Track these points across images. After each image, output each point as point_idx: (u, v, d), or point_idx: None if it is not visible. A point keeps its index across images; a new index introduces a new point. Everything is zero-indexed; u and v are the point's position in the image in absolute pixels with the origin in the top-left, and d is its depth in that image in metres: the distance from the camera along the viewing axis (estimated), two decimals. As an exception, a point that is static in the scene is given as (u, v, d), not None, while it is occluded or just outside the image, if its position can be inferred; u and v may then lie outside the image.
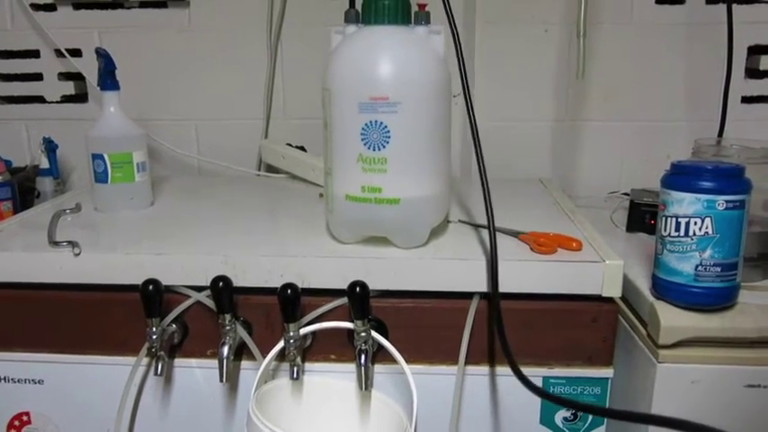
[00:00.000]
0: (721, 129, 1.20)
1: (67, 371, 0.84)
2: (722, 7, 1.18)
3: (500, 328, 0.73)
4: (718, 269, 0.74)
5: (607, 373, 0.80)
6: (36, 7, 1.32)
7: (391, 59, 0.76)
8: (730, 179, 0.73)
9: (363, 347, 0.76)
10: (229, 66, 1.33)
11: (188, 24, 1.32)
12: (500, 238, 0.85)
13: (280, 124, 1.35)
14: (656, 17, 1.25)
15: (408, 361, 0.76)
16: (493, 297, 0.75)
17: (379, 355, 0.79)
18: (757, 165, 0.83)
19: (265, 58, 1.31)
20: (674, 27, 1.26)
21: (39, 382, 0.85)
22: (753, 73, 1.26)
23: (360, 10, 0.81)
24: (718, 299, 0.76)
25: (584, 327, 0.78)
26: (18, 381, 0.85)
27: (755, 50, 1.25)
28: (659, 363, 0.77)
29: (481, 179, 0.77)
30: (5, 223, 0.98)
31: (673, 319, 0.76)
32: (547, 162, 1.34)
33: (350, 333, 0.78)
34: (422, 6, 0.80)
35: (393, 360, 0.76)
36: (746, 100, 1.28)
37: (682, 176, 0.75)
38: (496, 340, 0.79)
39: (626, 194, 1.16)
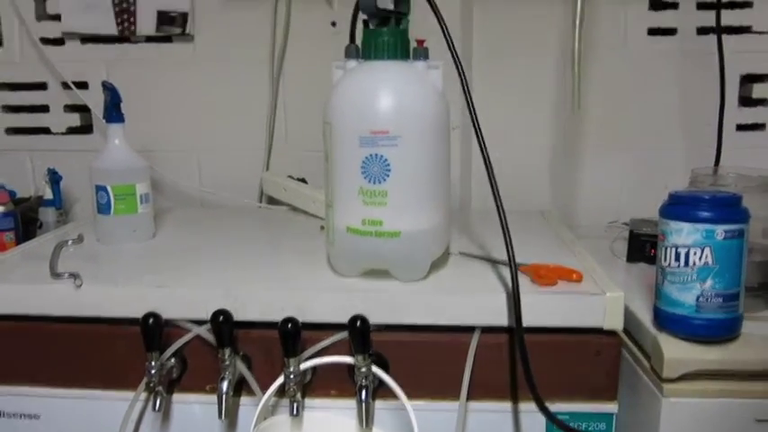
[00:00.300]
0: (717, 157, 1.21)
1: (64, 405, 0.84)
2: (713, 37, 1.20)
3: (525, 363, 0.73)
4: (720, 300, 0.74)
5: (611, 408, 0.79)
6: (45, 41, 1.34)
7: (391, 94, 0.77)
8: (728, 208, 0.73)
9: (364, 383, 0.75)
10: (232, 98, 1.34)
11: (192, 58, 1.34)
12: (501, 269, 0.85)
13: (281, 156, 1.36)
14: (648, 47, 1.27)
15: (410, 396, 0.75)
16: (517, 331, 0.74)
17: (381, 390, 0.78)
18: (755, 193, 0.84)
19: (267, 91, 1.33)
20: (666, 57, 1.27)
21: (34, 416, 0.84)
22: (746, 101, 1.28)
23: (360, 45, 0.82)
24: (721, 330, 0.76)
25: (587, 361, 0.78)
26: (13, 415, 0.84)
27: (748, 79, 1.27)
28: (664, 397, 0.76)
29: (498, 214, 0.77)
30: (7, 254, 0.99)
31: (676, 352, 0.75)
32: (546, 192, 1.34)
33: (350, 368, 0.78)
34: (420, 42, 0.81)
35: (394, 395, 0.76)
36: (741, 128, 1.29)
37: (679, 206, 0.75)
38: (498, 375, 0.78)
39: (626, 224, 1.16)
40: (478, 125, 0.79)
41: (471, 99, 0.79)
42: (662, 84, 1.28)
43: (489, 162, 0.79)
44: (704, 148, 1.25)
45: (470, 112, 0.80)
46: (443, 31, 0.80)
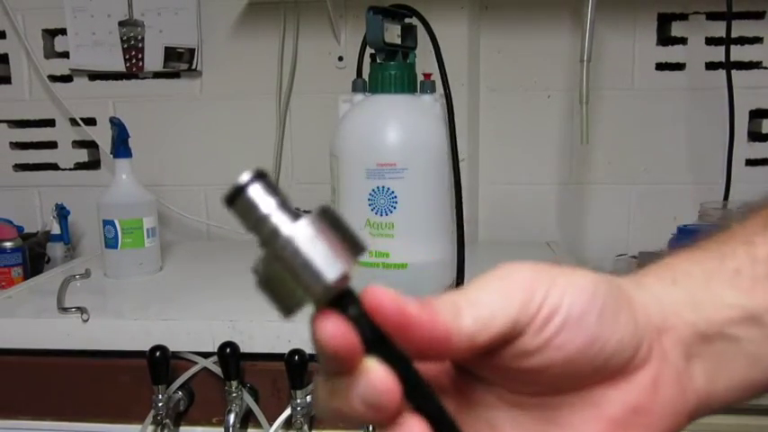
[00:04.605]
0: (726, 192, 1.21)
1: (71, 439, 0.83)
2: (722, 72, 1.20)
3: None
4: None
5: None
6: (53, 78, 1.36)
7: (398, 127, 0.78)
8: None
9: (371, 415, 0.75)
10: (239, 132, 1.36)
11: (200, 93, 1.35)
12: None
13: (288, 189, 1.37)
14: (656, 83, 1.28)
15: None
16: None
17: (388, 422, 0.78)
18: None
19: (274, 124, 1.34)
20: (675, 92, 1.28)
21: (42, 451, 0.84)
22: (755, 136, 1.28)
23: (367, 79, 0.83)
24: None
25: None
26: (21, 450, 0.84)
27: (757, 114, 1.27)
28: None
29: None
30: (15, 289, 0.99)
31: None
32: (554, 225, 1.34)
33: (358, 400, 0.77)
34: (427, 76, 0.83)
35: (401, 428, 0.75)
36: (750, 163, 1.28)
37: (688, 240, 0.75)
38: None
39: (634, 257, 1.15)
40: (457, 156, 0.80)
41: (454, 129, 0.80)
42: (670, 118, 1.29)
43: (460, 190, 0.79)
44: (713, 183, 1.25)
45: (451, 140, 0.80)
46: (439, 66, 0.81)
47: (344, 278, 0.24)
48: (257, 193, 0.24)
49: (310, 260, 0.23)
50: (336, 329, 0.24)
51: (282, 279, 0.24)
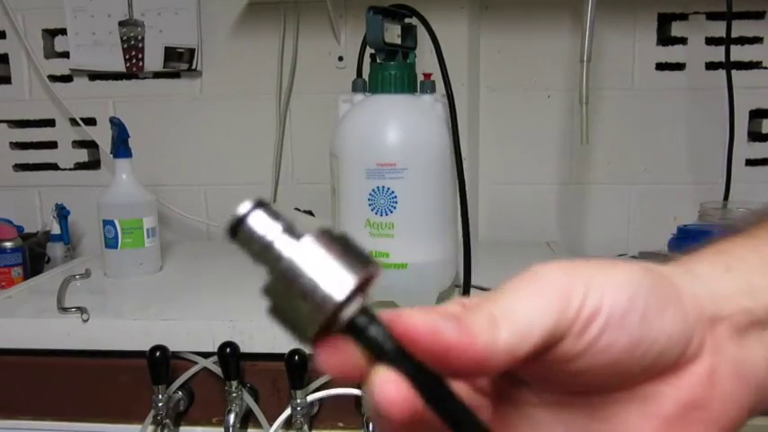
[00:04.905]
0: (726, 192, 1.21)
1: (71, 439, 0.83)
2: (722, 72, 1.20)
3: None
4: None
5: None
6: (53, 78, 1.36)
7: (398, 127, 0.78)
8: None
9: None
10: (239, 132, 1.36)
11: (200, 93, 1.35)
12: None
13: (288, 189, 1.37)
14: (656, 83, 1.28)
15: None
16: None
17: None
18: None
19: (274, 124, 1.34)
20: (675, 92, 1.28)
21: (42, 451, 0.84)
22: (755, 136, 1.28)
23: (367, 79, 0.83)
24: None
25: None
26: (21, 450, 0.84)
27: (757, 114, 1.27)
28: None
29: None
30: (15, 289, 0.99)
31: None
32: (554, 225, 1.34)
33: (358, 400, 0.77)
34: (427, 76, 0.83)
35: (401, 428, 0.75)
36: (750, 163, 1.28)
37: (689, 240, 0.75)
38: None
39: (634, 257, 1.15)
40: (460, 156, 0.80)
41: (457, 129, 0.80)
42: (670, 118, 1.29)
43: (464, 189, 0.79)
44: (713, 183, 1.25)
45: (453, 141, 0.80)
46: (440, 66, 0.81)
47: (355, 294, 0.23)
48: (258, 221, 0.24)
49: (317, 280, 0.23)
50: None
51: (293, 304, 0.23)
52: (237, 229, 0.24)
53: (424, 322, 0.24)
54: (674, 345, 0.26)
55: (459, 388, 0.26)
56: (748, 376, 0.27)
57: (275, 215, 0.24)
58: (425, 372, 0.23)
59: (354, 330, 0.23)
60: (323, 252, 0.23)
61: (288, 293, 0.23)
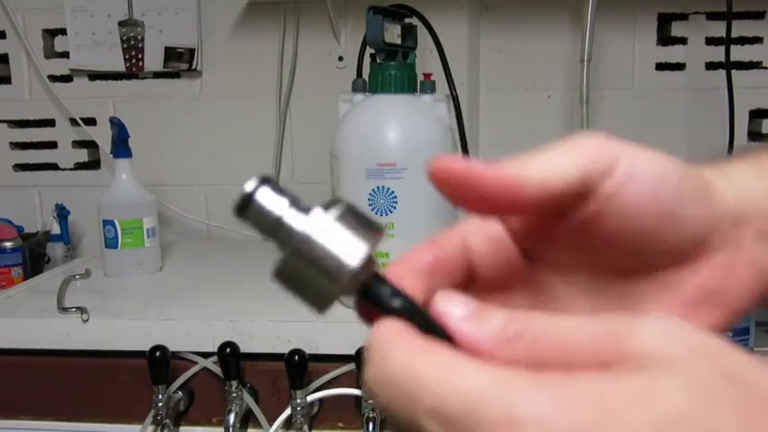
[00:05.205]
0: (727, 192, 1.20)
1: (71, 439, 0.83)
2: (722, 72, 1.20)
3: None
4: (730, 334, 0.73)
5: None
6: (53, 78, 1.36)
7: (398, 127, 0.78)
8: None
9: (371, 415, 0.75)
10: (239, 132, 1.36)
11: (200, 93, 1.35)
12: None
13: (288, 189, 1.37)
14: (656, 83, 1.28)
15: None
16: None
17: (388, 422, 0.78)
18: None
19: (274, 124, 1.34)
20: (675, 92, 1.28)
21: (42, 451, 0.84)
22: (755, 136, 1.28)
23: (367, 79, 0.83)
24: (731, 364, 0.75)
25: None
26: (21, 450, 0.84)
27: (757, 114, 1.27)
28: None
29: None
30: (15, 289, 0.99)
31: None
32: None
33: (357, 400, 0.77)
34: (427, 76, 0.83)
35: (401, 428, 0.75)
36: (751, 163, 1.28)
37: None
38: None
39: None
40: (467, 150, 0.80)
41: (463, 128, 0.80)
42: (670, 118, 1.29)
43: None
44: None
45: (461, 140, 0.80)
46: (443, 66, 0.81)
47: (369, 262, 0.24)
48: (266, 197, 0.24)
49: (330, 250, 0.23)
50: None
51: (307, 276, 0.23)
52: (246, 206, 0.24)
53: (458, 160, 0.25)
54: (700, 230, 0.27)
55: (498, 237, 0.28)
56: (765, 271, 0.29)
57: (281, 190, 0.25)
58: (437, 330, 0.23)
59: (367, 294, 0.24)
60: (332, 222, 0.23)
61: (302, 265, 0.23)
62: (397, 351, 0.21)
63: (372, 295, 0.24)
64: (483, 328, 0.22)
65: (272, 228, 0.24)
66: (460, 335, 0.22)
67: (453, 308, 0.23)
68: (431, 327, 0.23)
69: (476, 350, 0.22)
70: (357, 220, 0.24)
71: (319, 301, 0.24)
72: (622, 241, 0.27)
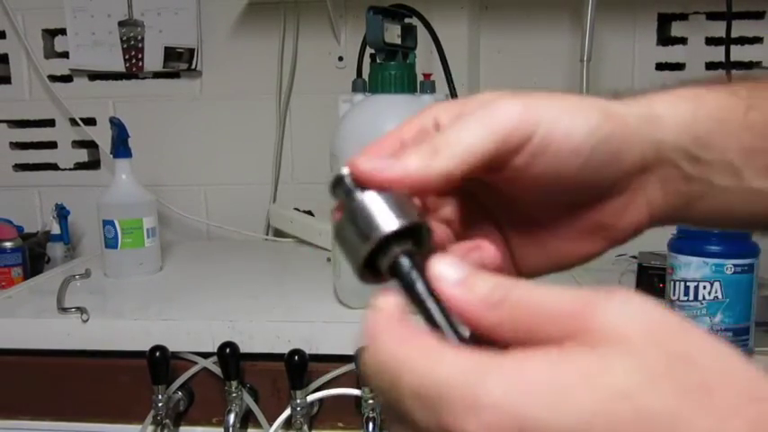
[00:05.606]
0: (727, 192, 1.20)
1: (71, 440, 0.83)
2: (722, 73, 1.20)
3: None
4: (730, 334, 0.73)
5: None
6: (53, 78, 1.36)
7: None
8: (737, 243, 0.73)
9: (371, 415, 0.75)
10: (239, 132, 1.36)
11: (200, 93, 1.35)
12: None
13: (288, 189, 1.37)
14: (656, 83, 1.27)
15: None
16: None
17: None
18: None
19: (274, 124, 1.34)
20: (675, 92, 1.27)
21: (42, 451, 0.84)
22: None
23: (367, 79, 0.83)
24: (731, 364, 0.75)
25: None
26: (21, 450, 0.84)
27: (757, 114, 1.27)
28: None
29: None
30: (15, 289, 0.99)
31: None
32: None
33: (357, 400, 0.77)
34: (427, 76, 0.82)
35: (401, 428, 0.75)
36: (751, 163, 1.28)
37: (689, 241, 0.75)
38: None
39: (634, 257, 1.15)
40: None
41: None
42: (668, 117, 1.28)
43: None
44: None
45: None
46: (443, 66, 0.81)
47: (401, 238, 0.28)
48: (350, 179, 0.30)
49: (371, 217, 0.28)
50: None
51: (351, 234, 0.29)
52: (338, 183, 0.30)
53: (370, 165, 0.29)
54: (606, 185, 0.32)
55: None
56: (655, 209, 0.34)
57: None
58: (449, 318, 0.25)
59: (394, 267, 0.28)
60: (381, 200, 0.28)
61: (350, 225, 0.29)
62: (386, 340, 0.24)
63: (398, 271, 0.28)
64: (472, 292, 0.25)
65: (342, 195, 0.30)
66: (451, 298, 0.25)
67: (447, 271, 0.26)
68: (445, 318, 0.26)
69: (464, 313, 0.25)
70: (403, 207, 0.28)
71: (354, 257, 0.29)
72: (541, 192, 0.32)
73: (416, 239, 0.29)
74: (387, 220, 0.28)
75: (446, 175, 0.29)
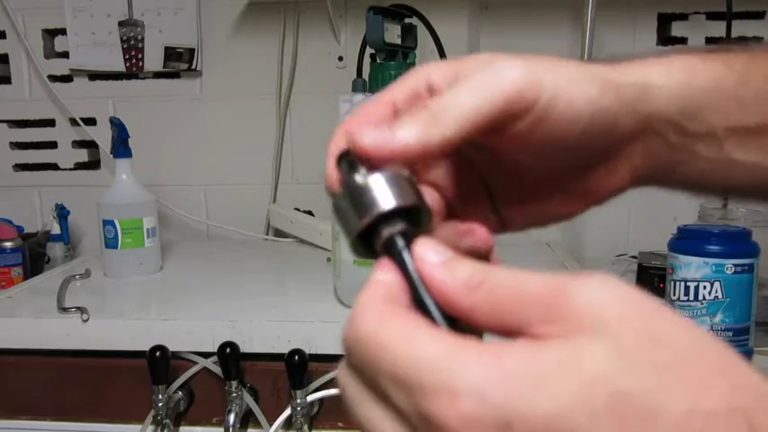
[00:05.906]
0: (727, 192, 1.20)
1: (71, 439, 0.83)
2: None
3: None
4: (730, 334, 0.73)
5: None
6: (53, 78, 1.36)
7: (398, 126, 0.78)
8: (738, 243, 0.73)
9: (371, 415, 0.75)
10: (239, 132, 1.36)
11: (200, 93, 1.35)
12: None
13: (288, 189, 1.37)
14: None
15: (417, 428, 0.74)
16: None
17: (388, 422, 0.78)
18: (764, 228, 0.84)
19: (274, 124, 1.34)
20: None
21: (42, 451, 0.84)
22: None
23: (367, 79, 0.83)
24: (731, 364, 0.75)
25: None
26: (21, 450, 0.84)
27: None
28: None
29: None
30: (15, 289, 0.99)
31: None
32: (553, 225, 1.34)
33: (358, 400, 0.77)
34: (427, 75, 0.82)
35: (401, 428, 0.75)
36: (751, 163, 1.28)
37: (689, 240, 0.75)
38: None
39: (634, 257, 1.15)
40: None
41: None
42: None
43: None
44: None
45: None
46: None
47: (399, 218, 0.28)
48: (351, 156, 0.30)
49: (370, 194, 0.28)
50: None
51: (349, 209, 0.28)
52: (343, 156, 0.30)
53: (369, 139, 0.28)
54: (600, 154, 0.33)
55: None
56: (637, 175, 0.35)
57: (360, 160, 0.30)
58: (439, 307, 0.25)
59: (388, 246, 0.27)
60: (383, 181, 0.28)
61: (348, 200, 0.29)
62: (367, 316, 0.24)
63: (391, 249, 0.27)
64: (452, 275, 0.25)
65: (346, 169, 0.30)
66: (432, 279, 0.25)
67: (429, 254, 0.26)
68: (436, 305, 0.25)
69: (443, 293, 0.25)
70: (405, 190, 0.28)
71: (350, 231, 0.29)
72: (532, 158, 0.32)
73: (415, 220, 0.28)
74: (385, 198, 0.28)
75: (446, 144, 0.28)
